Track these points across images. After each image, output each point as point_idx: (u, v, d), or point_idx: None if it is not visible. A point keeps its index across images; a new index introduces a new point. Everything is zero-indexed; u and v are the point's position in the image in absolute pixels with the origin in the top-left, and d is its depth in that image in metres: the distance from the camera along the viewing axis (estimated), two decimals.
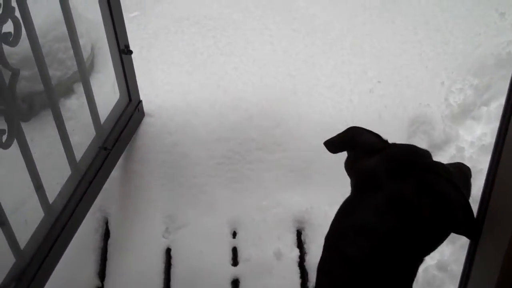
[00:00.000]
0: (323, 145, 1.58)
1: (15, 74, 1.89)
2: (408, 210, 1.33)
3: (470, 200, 1.36)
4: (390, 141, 1.51)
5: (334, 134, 1.58)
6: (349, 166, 1.50)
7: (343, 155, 1.77)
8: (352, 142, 1.51)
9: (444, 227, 1.35)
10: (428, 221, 1.33)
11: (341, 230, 1.41)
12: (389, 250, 1.34)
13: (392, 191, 1.34)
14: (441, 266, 2.48)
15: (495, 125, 2.88)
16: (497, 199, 1.27)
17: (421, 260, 1.40)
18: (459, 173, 1.49)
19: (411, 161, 1.40)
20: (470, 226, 1.33)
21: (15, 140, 1.96)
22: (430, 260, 2.45)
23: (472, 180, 1.59)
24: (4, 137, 1.90)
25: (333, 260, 1.41)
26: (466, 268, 1.45)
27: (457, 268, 2.48)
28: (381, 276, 1.35)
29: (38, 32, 2.04)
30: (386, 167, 1.38)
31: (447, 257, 2.53)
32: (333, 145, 1.56)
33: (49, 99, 2.18)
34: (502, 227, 1.21)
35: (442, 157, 2.76)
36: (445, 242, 2.60)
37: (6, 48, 1.85)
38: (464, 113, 3.00)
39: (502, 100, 2.99)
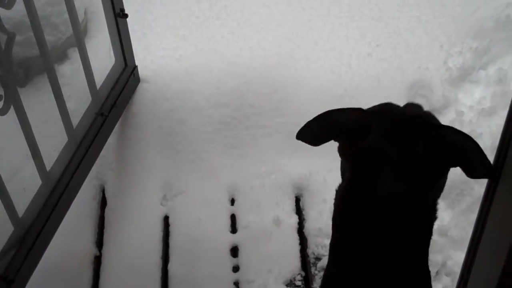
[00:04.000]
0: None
1: (11, 38, 1.84)
2: (425, 169, 1.34)
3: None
4: None
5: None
6: (345, 152, 1.45)
7: None
8: (333, 130, 1.44)
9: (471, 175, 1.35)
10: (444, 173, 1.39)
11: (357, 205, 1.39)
12: (409, 212, 1.35)
13: (404, 157, 1.34)
14: (442, 231, 2.47)
15: (494, 88, 2.85)
16: None
17: (435, 218, 1.43)
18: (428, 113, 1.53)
19: (407, 124, 1.39)
20: (488, 167, 1.32)
21: (11, 107, 1.92)
22: None
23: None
24: (1, 103, 1.86)
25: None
26: (477, 231, 1.43)
27: (457, 233, 2.48)
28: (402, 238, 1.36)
29: None
30: (386, 139, 1.37)
31: (447, 222, 2.52)
32: (310, 136, 1.48)
33: (45, 64, 2.14)
34: None
35: (442, 121, 2.73)
36: (444, 207, 2.58)
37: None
38: (463, 76, 2.98)
39: (501, 64, 2.97)
